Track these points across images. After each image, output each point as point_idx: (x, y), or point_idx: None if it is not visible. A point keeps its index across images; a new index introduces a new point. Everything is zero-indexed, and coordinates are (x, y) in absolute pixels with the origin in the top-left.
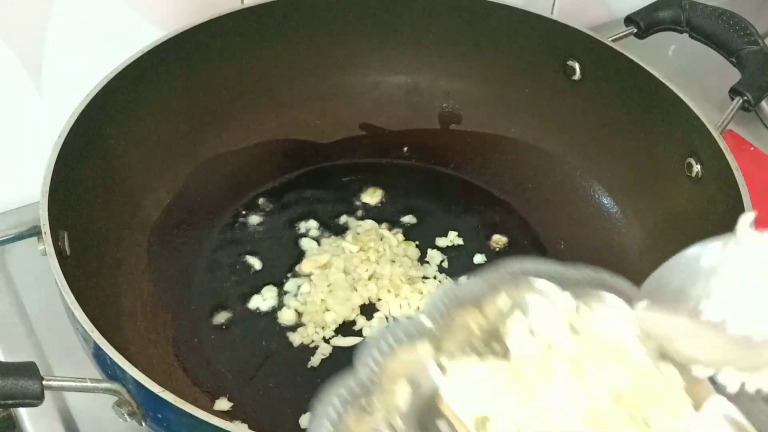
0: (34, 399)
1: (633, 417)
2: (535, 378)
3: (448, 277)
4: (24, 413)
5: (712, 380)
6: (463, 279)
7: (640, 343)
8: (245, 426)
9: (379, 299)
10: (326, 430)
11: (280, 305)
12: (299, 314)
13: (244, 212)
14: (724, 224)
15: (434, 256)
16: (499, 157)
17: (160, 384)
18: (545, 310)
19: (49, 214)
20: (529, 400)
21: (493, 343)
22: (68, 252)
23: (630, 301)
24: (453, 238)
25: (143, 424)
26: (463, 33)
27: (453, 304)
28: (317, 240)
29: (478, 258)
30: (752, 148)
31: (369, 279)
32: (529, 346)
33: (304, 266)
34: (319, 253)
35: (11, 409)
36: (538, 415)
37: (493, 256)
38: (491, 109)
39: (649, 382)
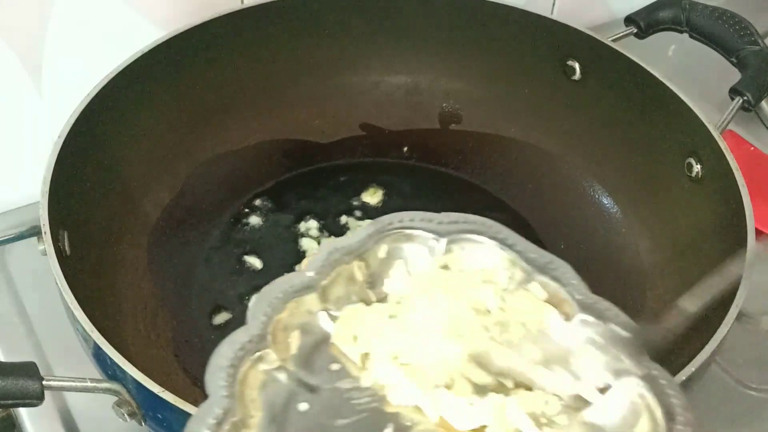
0: (34, 399)
1: (503, 324)
2: (406, 311)
3: None
4: (24, 413)
5: None
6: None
7: (506, 271)
8: None
9: None
10: (221, 380)
11: None
12: None
13: (244, 212)
14: (724, 224)
15: None
16: (499, 157)
17: (160, 384)
18: (420, 254)
19: (49, 214)
20: (402, 333)
21: (375, 288)
22: (68, 252)
23: (498, 238)
24: None
25: (143, 424)
26: (463, 33)
27: (337, 256)
28: (317, 240)
29: None
30: (752, 148)
31: None
32: (404, 286)
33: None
34: None
35: (11, 409)
36: (410, 344)
37: None
38: (491, 109)
39: (516, 298)
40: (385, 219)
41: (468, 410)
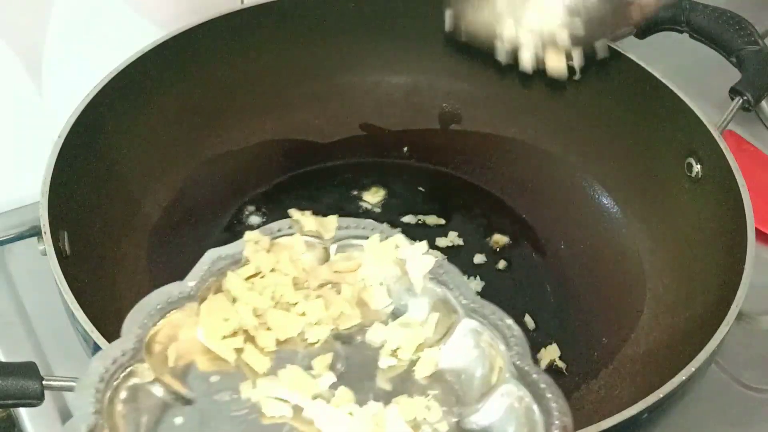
0: (34, 399)
1: None
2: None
3: None
4: (24, 413)
5: None
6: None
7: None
8: None
9: None
10: (90, 396)
11: None
12: None
13: (244, 212)
14: (724, 224)
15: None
16: (499, 157)
17: None
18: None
19: (49, 214)
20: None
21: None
22: (68, 252)
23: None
24: (453, 239)
25: None
26: None
27: (220, 265)
28: None
29: (479, 258)
30: (752, 148)
31: None
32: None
33: None
34: None
35: (11, 409)
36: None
37: (494, 256)
38: (491, 109)
39: None
40: (274, 226)
41: (347, 421)
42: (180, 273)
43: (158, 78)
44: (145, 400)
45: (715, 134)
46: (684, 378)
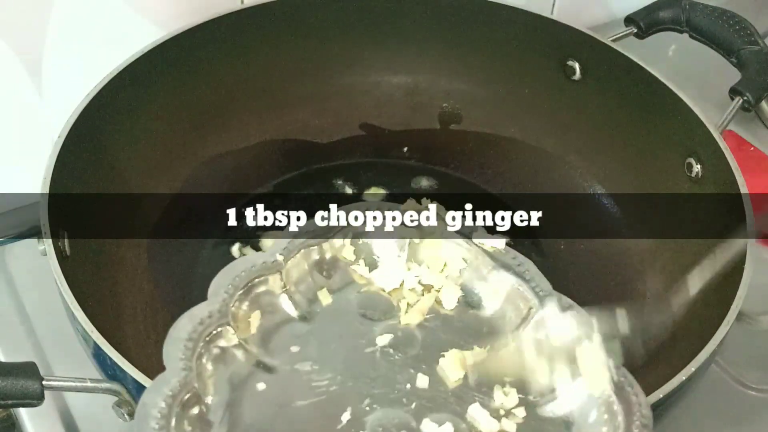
0: (34, 399)
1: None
2: None
3: None
4: (24, 413)
5: None
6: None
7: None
8: None
9: None
10: (179, 352)
11: None
12: None
13: (244, 212)
14: (724, 224)
15: None
16: (499, 157)
17: None
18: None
19: (49, 214)
20: None
21: (329, 270)
22: (68, 252)
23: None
24: None
25: None
26: (463, 33)
27: (302, 239)
28: None
29: None
30: (752, 148)
31: None
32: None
33: None
34: None
35: (11, 409)
36: None
37: None
38: (491, 109)
39: None
40: (352, 207)
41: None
42: (180, 273)
43: (158, 78)
44: (230, 363)
45: (715, 134)
46: (684, 378)
